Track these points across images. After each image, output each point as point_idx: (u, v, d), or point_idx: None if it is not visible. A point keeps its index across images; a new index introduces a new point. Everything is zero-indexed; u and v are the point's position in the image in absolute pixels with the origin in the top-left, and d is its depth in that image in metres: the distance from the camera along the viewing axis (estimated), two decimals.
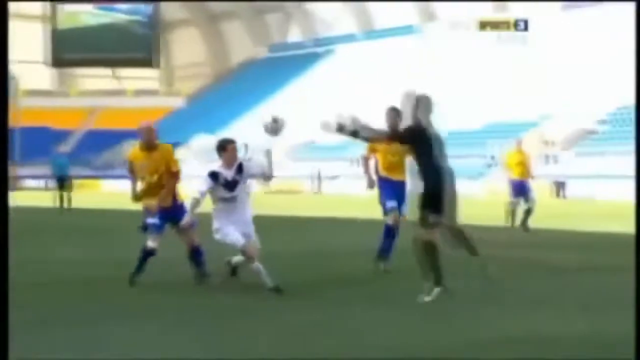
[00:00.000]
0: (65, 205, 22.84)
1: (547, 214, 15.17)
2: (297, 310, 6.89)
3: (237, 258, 8.10)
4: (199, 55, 78.02)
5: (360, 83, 57.29)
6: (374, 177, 9.37)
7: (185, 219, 7.88)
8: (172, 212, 8.15)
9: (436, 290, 7.20)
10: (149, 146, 8.13)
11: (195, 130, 59.63)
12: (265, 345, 5.62)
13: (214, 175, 7.75)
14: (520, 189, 14.95)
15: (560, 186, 35.87)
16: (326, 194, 43.43)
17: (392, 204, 9.24)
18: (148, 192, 8.16)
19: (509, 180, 15.17)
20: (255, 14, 75.06)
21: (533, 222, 14.70)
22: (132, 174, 8.28)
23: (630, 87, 41.31)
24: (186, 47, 79.01)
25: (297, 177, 46.81)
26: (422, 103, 7.36)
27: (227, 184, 7.76)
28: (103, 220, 20.23)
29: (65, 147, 56.56)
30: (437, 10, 63.21)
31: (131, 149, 8.44)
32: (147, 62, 74.97)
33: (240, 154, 8.20)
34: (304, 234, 14.80)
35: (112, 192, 49.86)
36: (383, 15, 65.53)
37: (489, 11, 56.84)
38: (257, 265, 7.61)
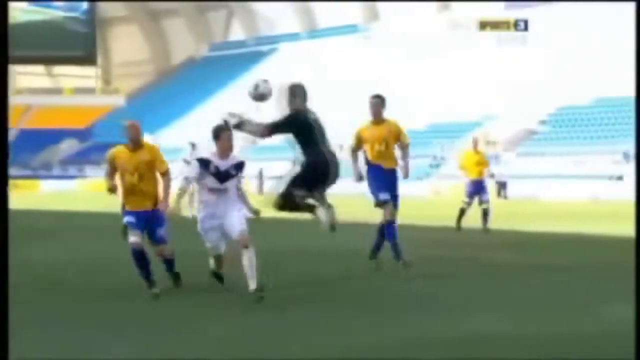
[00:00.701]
0: None
1: (492, 213, 15.17)
2: (265, 311, 6.77)
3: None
4: (140, 53, 76.88)
5: (304, 82, 57.11)
6: (361, 170, 9.13)
7: (160, 232, 7.60)
8: (150, 217, 7.68)
9: (320, 216, 7.84)
10: (134, 145, 7.76)
11: None
12: (232, 345, 5.55)
13: (203, 162, 7.25)
14: (478, 189, 14.82)
15: (501, 186, 36.25)
16: (270, 195, 43.18)
17: (384, 195, 8.98)
18: (127, 192, 7.75)
19: (467, 181, 14.94)
20: (198, 12, 74.33)
21: (477, 222, 14.65)
22: (111, 169, 7.80)
23: (569, 88, 42.21)
24: (126, 45, 77.78)
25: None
26: (298, 91, 7.88)
27: (217, 174, 7.25)
28: (49, 222, 19.74)
29: None
30: (380, 9, 63.52)
31: (115, 148, 7.98)
32: (84, 59, 73.56)
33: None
34: (254, 234, 14.52)
35: (51, 192, 48.76)
36: (326, 14, 65.56)
37: (432, 10, 57.42)
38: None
